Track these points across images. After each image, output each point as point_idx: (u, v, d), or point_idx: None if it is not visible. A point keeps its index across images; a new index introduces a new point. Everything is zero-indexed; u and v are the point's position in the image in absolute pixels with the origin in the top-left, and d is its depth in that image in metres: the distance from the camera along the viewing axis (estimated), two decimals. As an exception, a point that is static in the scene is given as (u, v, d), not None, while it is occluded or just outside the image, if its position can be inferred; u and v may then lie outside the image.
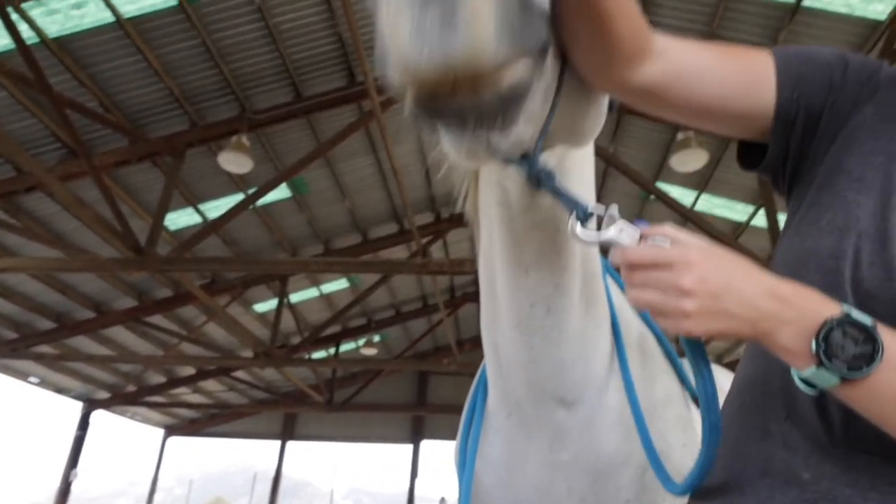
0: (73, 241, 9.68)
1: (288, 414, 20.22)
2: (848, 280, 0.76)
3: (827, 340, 0.63)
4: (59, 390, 16.12)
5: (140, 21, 6.94)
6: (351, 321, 15.71)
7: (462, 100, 0.63)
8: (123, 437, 18.62)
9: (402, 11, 0.58)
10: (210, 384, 17.41)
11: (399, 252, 13.27)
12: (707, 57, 0.86)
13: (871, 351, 0.62)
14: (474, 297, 16.15)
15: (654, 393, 1.27)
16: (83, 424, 16.58)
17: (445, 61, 0.58)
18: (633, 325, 1.36)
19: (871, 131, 0.82)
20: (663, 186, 9.22)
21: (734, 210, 9.50)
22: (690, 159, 8.00)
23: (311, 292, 13.99)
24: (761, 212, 8.47)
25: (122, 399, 16.83)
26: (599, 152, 8.09)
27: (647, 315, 1.41)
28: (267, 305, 13.91)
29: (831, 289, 0.74)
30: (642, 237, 0.78)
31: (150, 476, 20.04)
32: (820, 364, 0.63)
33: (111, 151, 8.34)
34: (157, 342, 14.00)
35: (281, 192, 10.16)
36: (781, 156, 0.89)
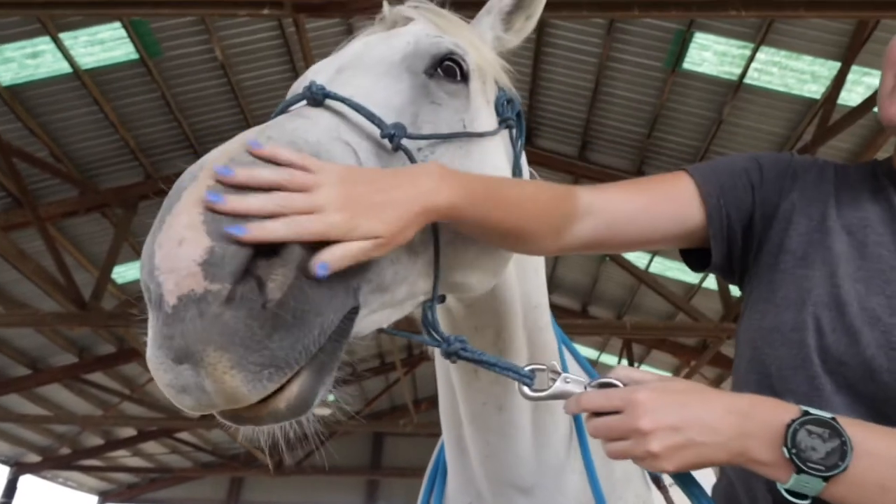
0: (11, 294, 9.22)
1: (234, 478, 19.27)
2: (814, 349, 0.79)
3: (795, 444, 0.64)
4: (-15, 453, 15.02)
5: (98, 73, 6.89)
6: (304, 380, 15.29)
7: (252, 419, 0.69)
8: (52, 506, 17.40)
9: (160, 373, 0.64)
10: (151, 446, 16.50)
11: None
12: (632, 200, 0.94)
13: (839, 444, 0.63)
14: (432, 356, 15.99)
15: (614, 473, 1.26)
16: (9, 491, 15.40)
17: (213, 408, 0.65)
18: None
19: (802, 213, 0.91)
20: (618, 248, 9.44)
21: (686, 273, 9.79)
22: (643, 223, 8.27)
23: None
24: (712, 275, 8.75)
25: (54, 463, 15.76)
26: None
27: (597, 377, 1.42)
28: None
29: (800, 361, 0.79)
30: (589, 384, 0.82)
31: (79, 548, 18.63)
32: (799, 470, 0.63)
33: (59, 202, 8.09)
34: (97, 401, 13.28)
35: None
36: (725, 255, 0.96)
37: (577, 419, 1.22)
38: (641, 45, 6.77)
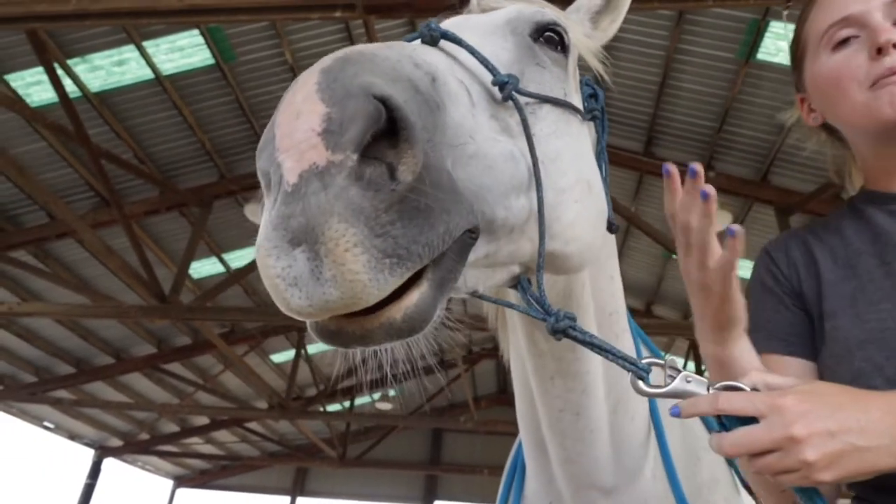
0: (97, 288, 9.84)
1: (299, 468, 19.83)
2: (883, 385, 0.80)
3: None
4: (73, 437, 16.05)
5: (177, 78, 7.25)
6: (368, 374, 15.57)
7: (360, 335, 0.63)
8: (132, 488, 18.33)
9: (270, 260, 0.58)
10: (222, 435, 17.21)
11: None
12: None
13: None
14: (492, 353, 15.98)
15: (700, 474, 1.24)
16: (94, 473, 16.40)
17: (325, 308, 0.57)
18: (671, 400, 1.32)
19: (831, 285, 0.93)
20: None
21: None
22: (713, 220, 8.00)
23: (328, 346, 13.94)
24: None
25: (133, 447, 16.69)
26: (620, 210, 8.14)
27: None
28: (284, 356, 13.89)
29: None
30: (713, 385, 0.75)
31: (156, 530, 19.66)
32: None
33: (141, 201, 8.57)
34: (173, 390, 13.98)
35: (303, 244, 10.26)
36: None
37: (657, 427, 1.20)
38: (712, 35, 6.56)
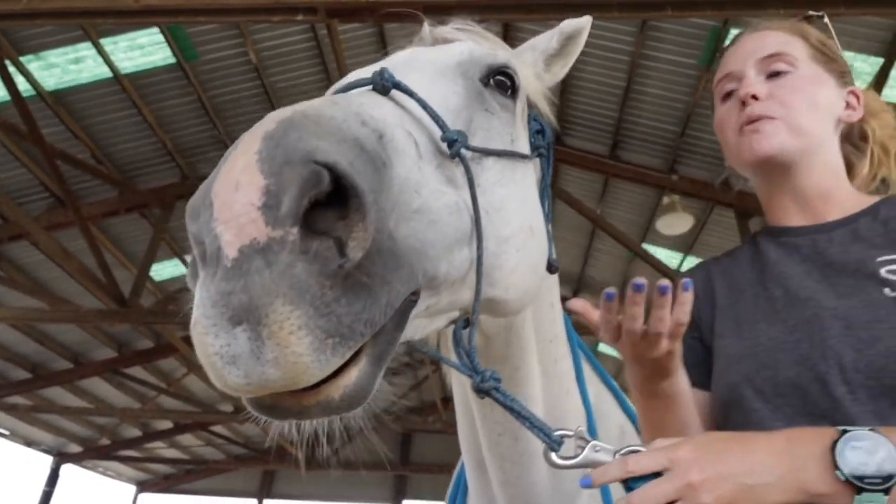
0: (54, 291, 9.55)
1: (266, 471, 19.61)
2: (752, 398, 0.92)
3: (846, 463, 0.64)
4: (30, 443, 15.55)
5: (137, 77, 7.07)
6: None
7: (297, 411, 0.62)
8: (93, 494, 17.90)
9: (208, 338, 0.56)
10: (187, 438, 16.91)
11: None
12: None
13: (887, 453, 0.63)
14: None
15: None
16: (52, 480, 15.93)
17: (264, 387, 0.56)
18: (612, 418, 1.37)
19: (722, 309, 1.04)
20: (650, 248, 9.33)
21: (719, 272, 9.65)
22: (676, 223, 8.14)
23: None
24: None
25: (94, 453, 16.27)
26: (587, 213, 8.24)
27: (626, 401, 1.44)
28: (250, 358, 13.70)
29: (742, 416, 0.92)
30: (618, 452, 0.79)
31: (118, 534, 19.22)
32: (859, 490, 0.63)
33: (99, 202, 8.34)
34: (135, 394, 13.66)
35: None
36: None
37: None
38: (675, 42, 6.67)
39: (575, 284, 11.74)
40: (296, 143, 0.57)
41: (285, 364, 0.54)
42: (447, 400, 16.53)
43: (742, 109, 0.95)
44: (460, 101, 0.88)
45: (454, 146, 0.78)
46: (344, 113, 0.66)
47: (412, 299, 0.69)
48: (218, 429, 16.11)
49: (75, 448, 16.26)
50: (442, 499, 1.43)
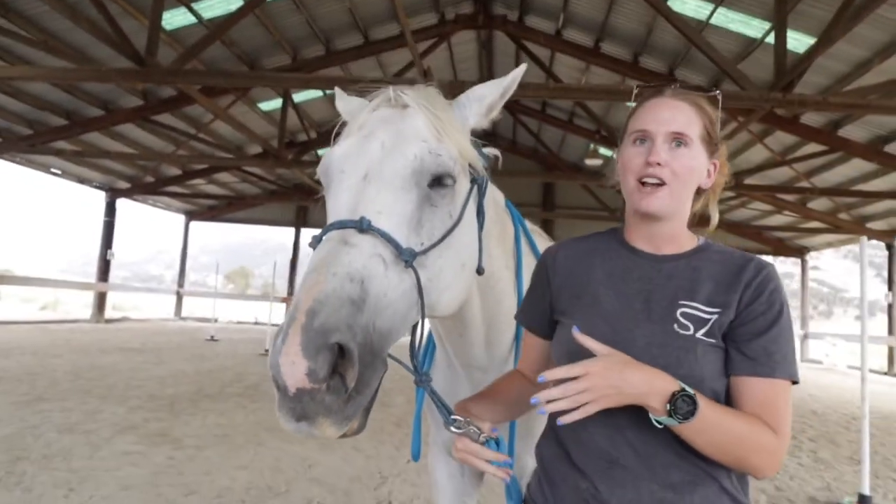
0: (70, 42, 9.57)
1: (300, 206, 21.34)
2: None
3: (674, 404, 1.05)
4: (82, 181, 16.97)
5: None
6: (356, 120, 15.80)
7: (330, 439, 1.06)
8: (149, 223, 19.91)
9: (286, 424, 1.01)
10: (224, 176, 18.16)
11: (403, 55, 12.94)
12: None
13: (693, 408, 1.05)
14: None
15: None
16: (110, 211, 17.75)
17: (312, 437, 1.03)
18: None
19: (568, 288, 1.32)
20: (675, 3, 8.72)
21: (750, 26, 9.09)
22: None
23: (315, 93, 13.94)
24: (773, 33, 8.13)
25: (142, 189, 17.75)
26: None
27: None
28: (272, 104, 13.98)
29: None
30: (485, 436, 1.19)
31: (176, 246, 21.92)
32: (669, 415, 1.06)
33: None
34: (168, 138, 14.38)
35: (277, -9, 9.65)
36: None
37: (518, 334, 1.69)
38: None
39: (597, 33, 11.24)
40: (320, 330, 0.98)
41: (322, 435, 1.03)
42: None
43: (645, 166, 1.18)
44: (414, 208, 1.21)
45: (407, 264, 1.15)
46: (340, 281, 1.04)
47: (385, 369, 1.11)
48: (252, 168, 17.13)
49: (124, 185, 17.72)
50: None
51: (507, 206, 1.76)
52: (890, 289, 16.29)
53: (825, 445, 6.58)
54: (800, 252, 20.23)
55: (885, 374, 16.02)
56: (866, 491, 4.37)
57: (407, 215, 1.20)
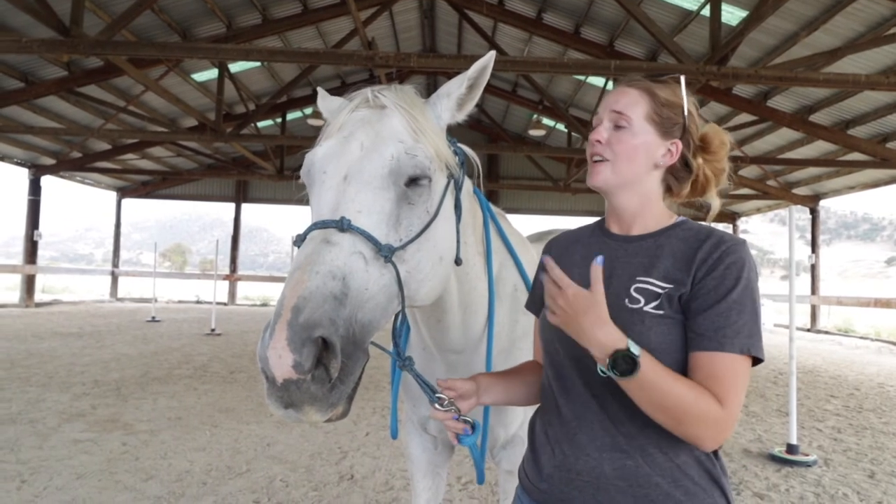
0: (-17, 10, 8.89)
1: (240, 180, 20.72)
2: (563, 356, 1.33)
3: (615, 361, 1.11)
4: (2, 157, 15.90)
5: None
6: (296, 91, 15.43)
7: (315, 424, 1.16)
8: (78, 200, 18.90)
9: (275, 410, 1.07)
10: (158, 151, 17.39)
11: (344, 24, 12.63)
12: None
13: (632, 368, 1.11)
14: (417, 76, 15.83)
15: (516, 331, 1.88)
16: (34, 189, 16.74)
17: (299, 422, 1.10)
18: (509, 281, 1.89)
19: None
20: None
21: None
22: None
23: (253, 63, 13.45)
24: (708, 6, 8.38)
25: (69, 165, 16.79)
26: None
27: (522, 268, 1.94)
28: (207, 75, 13.42)
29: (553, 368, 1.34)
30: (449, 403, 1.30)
31: (106, 223, 20.82)
32: (609, 369, 1.12)
33: None
34: (95, 111, 13.63)
35: (210, -43, 9.17)
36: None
37: (491, 317, 1.77)
38: None
39: (539, 3, 11.26)
40: (304, 325, 1.03)
41: (309, 420, 1.09)
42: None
43: (592, 144, 1.28)
44: (392, 206, 1.26)
45: (387, 259, 1.20)
46: (323, 279, 1.10)
47: (367, 359, 1.16)
48: (188, 142, 16.45)
49: (48, 161, 16.71)
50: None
51: (476, 192, 1.81)
52: (813, 251, 17.38)
53: (755, 400, 7.07)
54: (731, 217, 21.23)
55: (808, 330, 17.18)
56: (794, 441, 4.75)
57: (385, 213, 1.25)
